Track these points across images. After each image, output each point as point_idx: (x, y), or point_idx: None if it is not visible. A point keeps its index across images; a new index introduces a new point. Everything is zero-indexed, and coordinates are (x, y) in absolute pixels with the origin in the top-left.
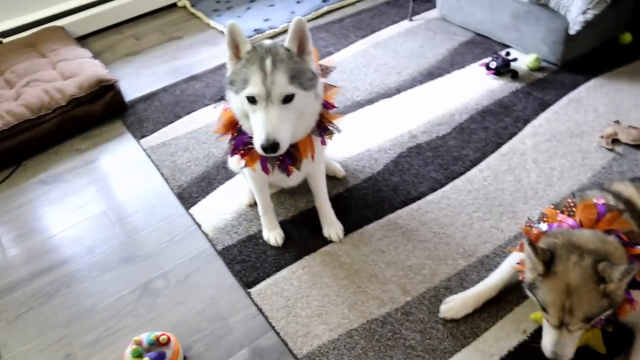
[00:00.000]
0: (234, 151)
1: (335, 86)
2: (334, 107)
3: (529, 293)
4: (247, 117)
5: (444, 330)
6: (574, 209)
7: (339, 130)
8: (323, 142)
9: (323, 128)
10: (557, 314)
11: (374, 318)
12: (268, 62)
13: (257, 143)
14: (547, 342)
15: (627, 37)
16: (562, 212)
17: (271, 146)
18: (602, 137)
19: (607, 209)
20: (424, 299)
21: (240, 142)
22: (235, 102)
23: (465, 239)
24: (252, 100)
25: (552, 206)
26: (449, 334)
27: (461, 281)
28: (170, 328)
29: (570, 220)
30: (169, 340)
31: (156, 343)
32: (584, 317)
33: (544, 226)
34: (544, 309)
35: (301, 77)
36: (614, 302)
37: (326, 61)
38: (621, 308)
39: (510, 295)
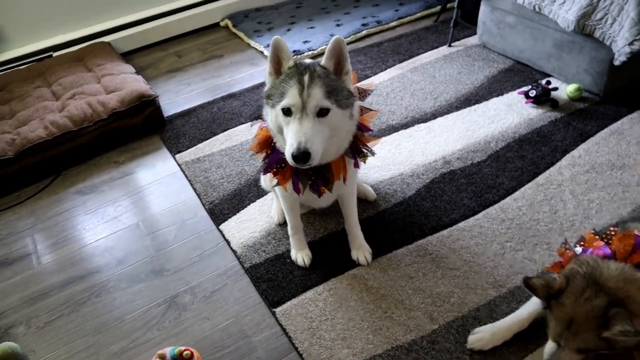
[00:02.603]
0: (267, 169)
1: (372, 110)
2: (369, 129)
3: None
4: (281, 132)
5: None
6: (613, 238)
7: (372, 153)
8: (356, 165)
9: (357, 150)
10: (555, 338)
11: (399, 345)
12: (306, 76)
13: (289, 152)
14: (547, 349)
15: None
16: (602, 239)
17: (302, 154)
18: None
19: None
20: (451, 328)
21: (274, 160)
22: (271, 117)
23: (497, 269)
24: (287, 112)
25: (593, 231)
26: None
27: (490, 312)
28: (194, 343)
29: (605, 249)
30: (192, 355)
31: (179, 358)
32: (577, 349)
33: (578, 249)
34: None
35: (337, 95)
36: (614, 347)
37: (364, 84)
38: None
39: (542, 329)
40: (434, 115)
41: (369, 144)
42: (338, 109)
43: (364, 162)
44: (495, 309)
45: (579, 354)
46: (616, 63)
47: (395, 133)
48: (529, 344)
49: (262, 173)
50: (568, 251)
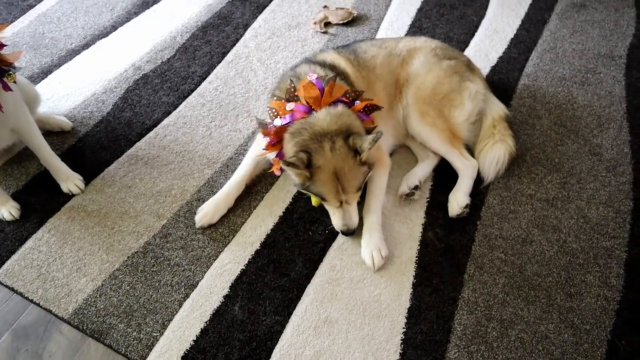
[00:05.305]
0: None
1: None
2: (2, 45)
3: (305, 192)
4: None
5: (204, 238)
6: (297, 94)
7: (15, 69)
8: (6, 88)
9: None
10: (335, 197)
11: (134, 252)
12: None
13: (337, 228)
14: (337, 221)
15: None
16: (289, 100)
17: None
18: (315, 23)
19: (323, 82)
20: (179, 216)
21: None
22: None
23: (207, 149)
24: None
25: (275, 97)
26: (210, 239)
27: (211, 188)
28: None
29: (300, 107)
30: None
31: None
32: (355, 189)
33: (278, 121)
34: (322, 199)
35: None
36: (371, 164)
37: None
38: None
39: (259, 185)
40: (114, 27)
41: (10, 60)
42: None
43: (14, 81)
44: (214, 185)
45: (357, 192)
46: None
47: (77, 56)
48: (252, 202)
49: None
50: (269, 128)
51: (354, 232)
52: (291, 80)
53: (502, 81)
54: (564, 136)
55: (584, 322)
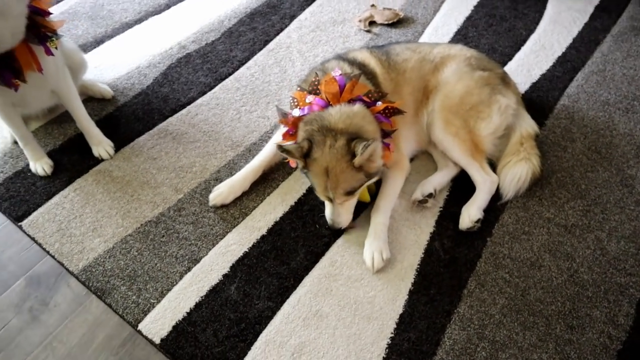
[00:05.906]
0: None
1: None
2: (49, 13)
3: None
4: None
5: (215, 217)
6: (319, 88)
7: (57, 36)
8: (48, 52)
9: (40, 35)
10: (322, 192)
11: (148, 220)
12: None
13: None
14: (327, 213)
15: None
16: (310, 92)
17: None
18: (360, 21)
19: (346, 79)
20: (195, 193)
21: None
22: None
23: (234, 132)
24: None
25: (299, 88)
26: (220, 219)
27: (230, 170)
28: None
29: (318, 100)
30: None
31: None
32: (344, 192)
33: (297, 112)
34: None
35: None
36: (371, 172)
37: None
38: (385, 157)
39: (277, 172)
40: (167, 6)
41: (54, 27)
42: None
43: (56, 47)
44: (234, 167)
45: (347, 196)
46: None
47: (130, 30)
48: (266, 189)
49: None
50: (288, 117)
51: (340, 230)
52: (317, 74)
53: (541, 99)
54: (596, 163)
55: (581, 358)
